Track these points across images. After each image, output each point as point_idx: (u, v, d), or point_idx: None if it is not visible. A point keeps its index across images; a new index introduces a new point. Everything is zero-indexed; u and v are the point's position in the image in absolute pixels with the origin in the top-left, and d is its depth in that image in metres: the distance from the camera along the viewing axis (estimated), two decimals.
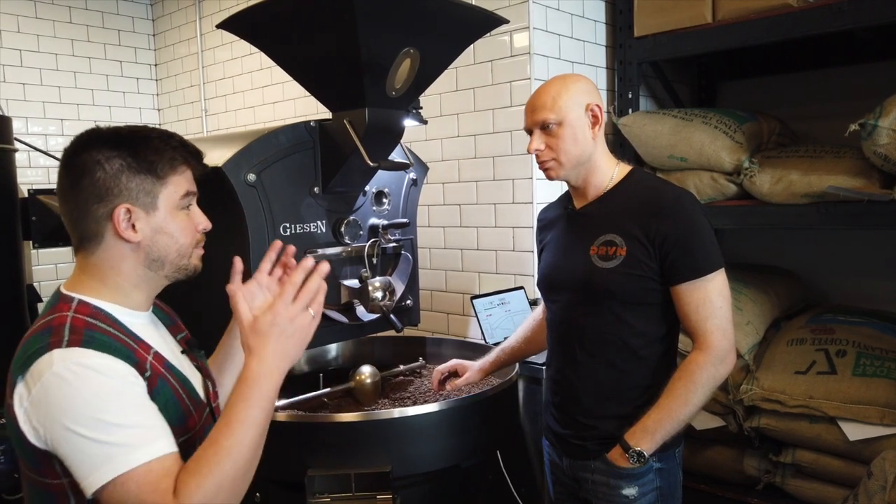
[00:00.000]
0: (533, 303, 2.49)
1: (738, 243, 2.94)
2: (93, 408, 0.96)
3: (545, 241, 1.75)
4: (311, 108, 3.25)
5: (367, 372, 1.97)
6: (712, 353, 1.48)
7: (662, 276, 1.51)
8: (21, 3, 3.77)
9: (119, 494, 0.95)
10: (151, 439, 0.99)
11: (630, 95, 2.69)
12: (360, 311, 1.88)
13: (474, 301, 2.37)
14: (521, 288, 2.52)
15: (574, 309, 1.60)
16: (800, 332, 2.31)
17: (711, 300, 1.48)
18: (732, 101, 3.03)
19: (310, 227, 1.81)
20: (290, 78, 1.80)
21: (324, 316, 1.14)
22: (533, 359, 2.07)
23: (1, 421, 1.92)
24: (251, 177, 1.67)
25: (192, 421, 1.13)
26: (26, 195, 2.31)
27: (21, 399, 0.99)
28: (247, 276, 1.27)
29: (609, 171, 1.61)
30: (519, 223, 2.57)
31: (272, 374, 1.05)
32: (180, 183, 1.13)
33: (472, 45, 1.93)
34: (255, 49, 1.81)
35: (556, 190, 2.39)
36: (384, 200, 1.98)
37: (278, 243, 1.34)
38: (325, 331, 1.80)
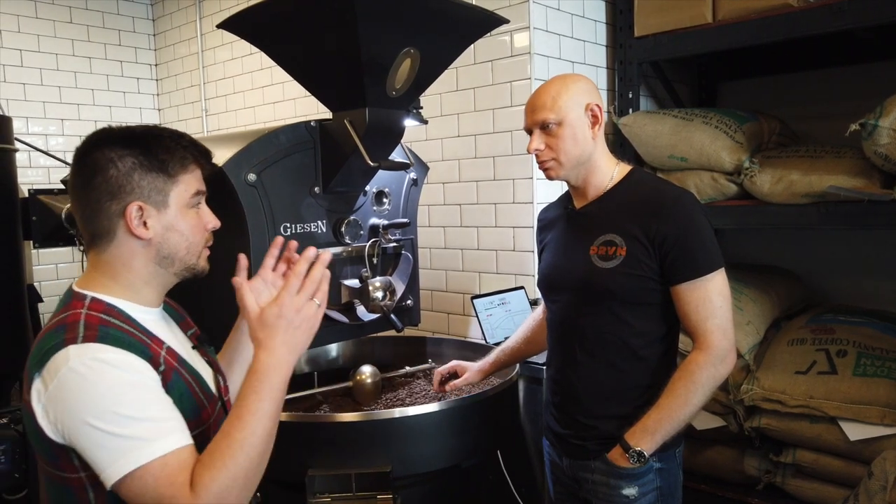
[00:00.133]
0: (533, 303, 2.49)
1: (738, 243, 2.94)
2: (109, 401, 0.97)
3: (545, 241, 1.75)
4: (311, 108, 3.25)
5: (367, 372, 1.97)
6: (712, 353, 1.48)
7: (662, 275, 1.51)
8: (21, 3, 3.77)
9: (137, 487, 0.97)
10: (167, 432, 1.00)
11: (630, 95, 2.69)
12: (361, 310, 1.88)
13: (475, 301, 2.37)
14: (522, 288, 2.52)
15: (574, 309, 1.60)
16: (800, 332, 2.31)
17: (711, 300, 1.48)
18: (733, 101, 3.03)
19: (310, 226, 1.81)
20: (291, 78, 1.80)
21: (324, 316, 1.15)
22: (533, 359, 2.07)
23: (2, 421, 1.93)
24: (251, 177, 1.67)
25: (205, 413, 1.14)
26: (26, 195, 2.31)
27: (38, 395, 1.01)
28: (249, 276, 1.27)
29: (609, 171, 1.61)
30: (519, 223, 2.57)
31: (281, 365, 1.06)
32: (191, 182, 1.14)
33: (472, 45, 1.93)
34: (255, 49, 1.81)
35: (556, 190, 2.40)
36: (384, 200, 1.98)
37: (280, 239, 1.34)
38: (326, 331, 1.80)
